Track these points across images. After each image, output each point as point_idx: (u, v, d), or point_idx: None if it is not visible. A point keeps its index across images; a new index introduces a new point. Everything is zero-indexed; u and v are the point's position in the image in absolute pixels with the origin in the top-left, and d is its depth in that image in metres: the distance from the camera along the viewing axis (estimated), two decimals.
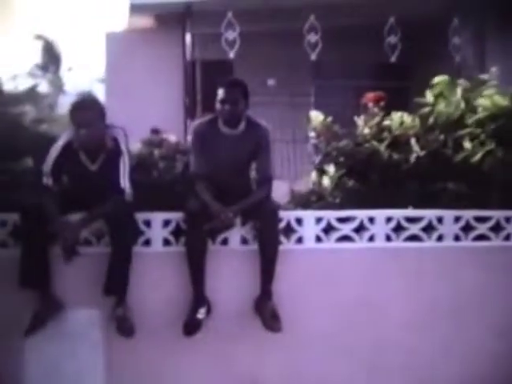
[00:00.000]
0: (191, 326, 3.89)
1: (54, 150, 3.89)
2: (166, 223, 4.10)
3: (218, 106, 4.01)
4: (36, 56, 16.79)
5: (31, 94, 13.48)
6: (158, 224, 4.10)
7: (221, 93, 4.00)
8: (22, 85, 14.71)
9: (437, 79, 4.83)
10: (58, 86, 16.43)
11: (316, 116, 4.80)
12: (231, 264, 4.10)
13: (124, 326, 3.83)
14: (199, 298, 3.96)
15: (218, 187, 4.00)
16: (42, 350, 3.92)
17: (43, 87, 15.84)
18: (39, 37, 17.49)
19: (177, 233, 4.11)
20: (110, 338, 3.94)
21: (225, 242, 4.14)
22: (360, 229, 4.25)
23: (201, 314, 3.91)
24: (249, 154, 4.09)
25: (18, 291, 3.75)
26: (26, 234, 3.77)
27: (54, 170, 3.86)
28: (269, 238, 3.97)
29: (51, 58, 17.14)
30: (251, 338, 4.04)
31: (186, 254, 3.95)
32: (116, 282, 3.79)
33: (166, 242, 4.11)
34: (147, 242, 4.10)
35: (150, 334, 3.96)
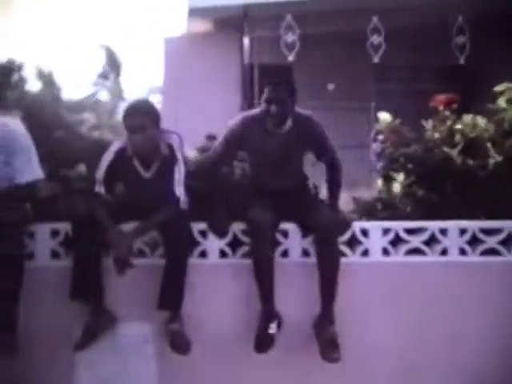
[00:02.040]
0: (263, 342, 3.64)
1: (107, 157, 3.76)
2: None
3: (263, 105, 3.79)
4: (98, 64, 17.03)
5: (91, 102, 13.60)
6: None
7: (267, 91, 3.77)
8: (83, 93, 14.90)
9: (504, 86, 4.48)
10: (117, 93, 16.59)
11: (384, 118, 4.52)
12: (291, 277, 3.85)
13: (179, 342, 3.64)
14: (269, 312, 3.69)
15: (269, 192, 3.80)
16: (93, 364, 3.77)
17: (103, 95, 16.02)
18: (102, 46, 17.76)
19: (233, 244, 3.90)
20: (163, 354, 3.75)
21: (285, 253, 3.91)
22: (431, 241, 3.94)
23: (272, 329, 3.64)
24: (301, 150, 3.89)
25: (69, 303, 3.62)
26: (78, 244, 3.63)
27: (107, 177, 3.73)
28: (328, 254, 3.69)
29: (112, 66, 17.36)
30: (310, 357, 3.77)
31: (253, 266, 3.69)
32: (170, 296, 3.61)
33: (223, 254, 3.90)
34: (203, 254, 3.90)
35: (205, 349, 3.76)
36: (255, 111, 3.96)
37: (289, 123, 3.84)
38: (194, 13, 7.95)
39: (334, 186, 3.98)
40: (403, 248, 3.93)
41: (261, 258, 3.68)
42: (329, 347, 3.60)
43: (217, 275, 3.88)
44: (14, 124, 3.82)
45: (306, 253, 3.90)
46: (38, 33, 24.69)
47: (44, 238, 3.84)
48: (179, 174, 3.69)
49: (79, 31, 27.76)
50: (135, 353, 3.80)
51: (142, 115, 3.66)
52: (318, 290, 3.70)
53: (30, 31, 23.75)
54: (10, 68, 6.19)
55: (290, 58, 6.95)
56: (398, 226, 3.94)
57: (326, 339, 3.62)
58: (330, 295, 3.69)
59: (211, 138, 4.60)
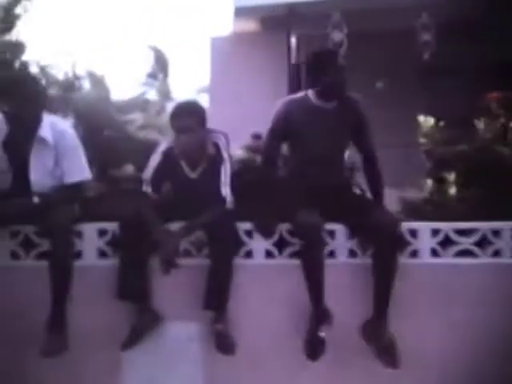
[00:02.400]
0: (314, 347, 3.57)
1: (154, 157, 3.79)
2: None
3: (314, 77, 3.69)
4: (146, 64, 17.19)
5: (139, 102, 13.75)
6: None
7: (319, 61, 3.69)
8: (131, 93, 15.08)
9: None
10: (165, 93, 16.73)
11: (426, 120, 4.43)
12: (338, 278, 3.78)
13: (224, 343, 3.64)
14: (320, 314, 3.60)
15: (316, 190, 3.69)
16: (139, 364, 3.78)
17: (151, 95, 16.17)
18: (150, 46, 17.93)
19: (279, 244, 3.86)
20: (210, 354, 3.73)
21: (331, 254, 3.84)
22: (482, 242, 3.82)
23: (323, 332, 3.58)
24: (347, 131, 3.78)
25: (116, 303, 3.65)
26: (126, 244, 3.64)
27: (154, 177, 3.74)
28: (387, 257, 3.56)
29: (160, 66, 17.52)
30: (360, 362, 3.71)
31: (303, 268, 3.61)
32: (215, 296, 3.59)
33: (269, 254, 3.86)
34: (249, 254, 3.86)
35: (251, 351, 3.73)
36: (297, 94, 3.90)
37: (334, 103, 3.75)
38: (240, 12, 7.90)
39: (378, 184, 3.87)
40: (453, 249, 3.83)
41: (312, 261, 3.60)
42: (388, 353, 3.50)
43: (262, 276, 3.84)
44: (63, 124, 3.87)
45: (352, 253, 3.83)
46: (86, 33, 25.12)
47: (91, 238, 3.86)
48: (225, 173, 3.69)
49: (128, 31, 28.08)
50: (181, 353, 3.79)
51: (189, 116, 3.66)
52: (373, 293, 3.59)
53: (79, 31, 24.17)
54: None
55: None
56: (448, 226, 3.84)
57: (384, 345, 3.51)
58: (385, 299, 3.58)
59: (257, 137, 4.57)
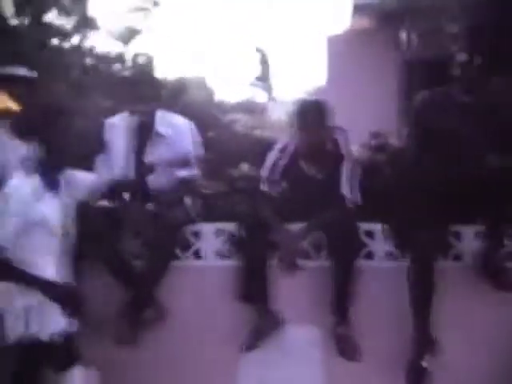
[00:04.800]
0: (414, 377, 3.33)
1: (272, 155, 3.72)
2: None
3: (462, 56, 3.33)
4: (253, 66, 17.40)
5: (246, 103, 13.94)
6: (381, 235, 3.70)
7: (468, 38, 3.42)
8: (238, 94, 15.37)
9: None
10: (271, 94, 16.85)
11: None
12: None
13: (346, 347, 3.52)
14: (424, 338, 3.35)
15: (456, 181, 3.31)
16: (257, 366, 3.70)
17: (258, 96, 16.34)
18: (258, 50, 18.17)
19: (402, 245, 3.67)
20: (330, 359, 3.61)
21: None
22: None
23: (426, 361, 3.32)
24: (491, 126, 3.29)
25: (235, 303, 3.60)
26: (245, 244, 3.59)
27: (272, 175, 3.67)
28: None
29: (267, 67, 17.67)
30: None
31: (411, 278, 3.40)
32: (338, 299, 3.47)
33: (390, 256, 3.69)
34: (369, 255, 3.71)
35: (374, 357, 3.57)
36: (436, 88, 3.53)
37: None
38: (359, 8, 7.79)
39: None
40: None
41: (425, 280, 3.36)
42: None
43: (383, 279, 3.67)
44: (179, 119, 3.90)
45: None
46: (194, 36, 25.70)
47: (209, 238, 3.83)
48: (346, 171, 3.56)
49: (236, 33, 28.48)
50: (301, 356, 3.68)
51: (313, 113, 3.56)
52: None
53: (188, 33, 24.76)
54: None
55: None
56: None
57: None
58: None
59: (377, 135, 4.42)
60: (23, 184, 3.06)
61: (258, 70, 17.88)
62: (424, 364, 3.32)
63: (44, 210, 3.04)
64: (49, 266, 3.01)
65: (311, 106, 3.64)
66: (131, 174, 3.79)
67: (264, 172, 3.70)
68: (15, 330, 2.91)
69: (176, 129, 3.82)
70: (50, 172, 3.14)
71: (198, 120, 4.12)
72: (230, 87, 15.43)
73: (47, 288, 2.95)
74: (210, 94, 12.37)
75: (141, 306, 3.62)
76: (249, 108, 12.96)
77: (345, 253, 3.49)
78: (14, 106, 3.56)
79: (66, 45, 9.07)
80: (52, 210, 3.07)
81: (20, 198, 3.00)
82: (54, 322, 2.97)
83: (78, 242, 3.26)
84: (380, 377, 3.58)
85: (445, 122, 3.38)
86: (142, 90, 3.75)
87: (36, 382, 2.94)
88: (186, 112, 4.50)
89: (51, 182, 3.13)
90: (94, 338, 3.34)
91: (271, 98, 16.84)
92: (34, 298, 2.93)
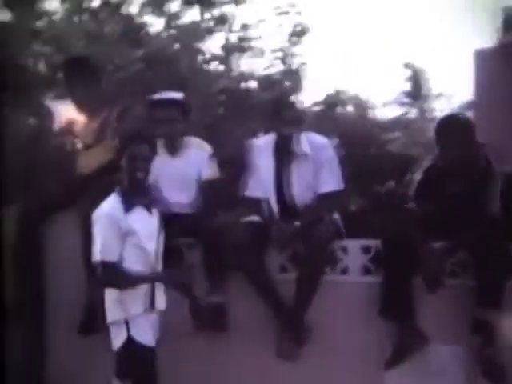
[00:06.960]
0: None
1: (418, 173, 3.69)
2: None
3: None
4: (404, 83, 17.11)
5: (400, 121, 13.77)
6: None
7: None
8: (393, 112, 15.22)
9: None
10: (425, 112, 16.49)
11: None
12: None
13: (493, 370, 3.41)
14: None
15: None
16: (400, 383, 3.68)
17: (412, 114, 16.05)
18: (408, 65, 17.86)
19: None
20: (474, 380, 3.53)
21: None
22: None
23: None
24: None
25: (379, 320, 3.62)
26: (390, 261, 3.61)
27: (418, 193, 3.66)
28: None
29: (419, 85, 17.31)
30: None
31: None
32: (485, 319, 3.38)
33: None
34: None
35: None
36: None
37: None
38: (508, 23, 7.48)
39: None
40: None
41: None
42: None
43: None
44: (320, 139, 4.00)
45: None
46: (348, 52, 25.66)
47: (356, 254, 3.88)
48: (495, 188, 3.48)
49: (387, 49, 28.07)
50: (443, 376, 3.63)
51: (458, 130, 3.53)
52: None
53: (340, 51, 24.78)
54: None
55: None
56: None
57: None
58: None
59: None
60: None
61: (408, 87, 17.54)
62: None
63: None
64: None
65: (453, 122, 3.62)
66: (275, 193, 3.92)
67: (410, 189, 3.71)
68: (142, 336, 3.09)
69: (318, 147, 3.90)
70: None
71: (355, 138, 4.18)
72: (382, 104, 15.23)
73: (164, 277, 3.18)
74: (364, 110, 12.33)
75: (297, 324, 3.74)
76: (404, 126, 12.78)
77: (493, 273, 3.40)
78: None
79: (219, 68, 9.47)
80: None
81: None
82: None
83: (226, 254, 3.47)
84: None
85: None
86: (285, 114, 3.84)
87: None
88: (342, 131, 4.60)
89: None
90: None
91: (423, 115, 16.47)
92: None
